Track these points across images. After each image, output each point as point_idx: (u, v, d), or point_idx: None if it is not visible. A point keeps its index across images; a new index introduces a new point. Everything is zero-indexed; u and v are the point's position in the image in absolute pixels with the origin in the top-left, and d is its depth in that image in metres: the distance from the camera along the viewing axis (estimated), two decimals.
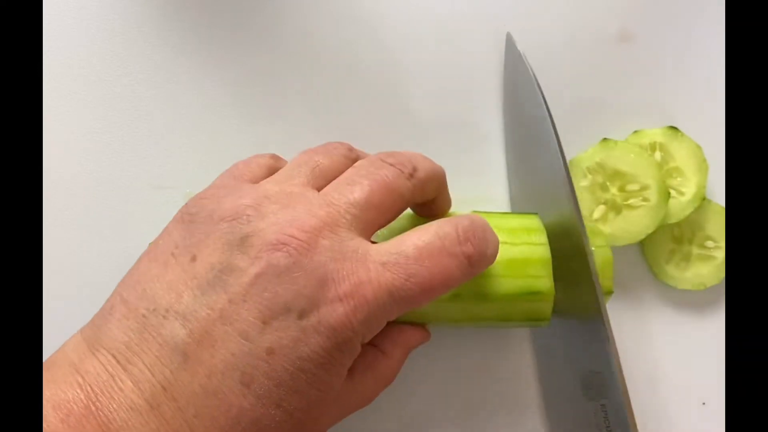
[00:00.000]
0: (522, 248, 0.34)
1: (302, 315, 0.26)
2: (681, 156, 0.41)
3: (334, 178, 0.31)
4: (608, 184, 0.40)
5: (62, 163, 0.39)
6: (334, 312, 0.26)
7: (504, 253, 0.34)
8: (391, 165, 0.30)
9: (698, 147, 0.41)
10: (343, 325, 0.27)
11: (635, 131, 0.41)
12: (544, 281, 0.34)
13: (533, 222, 0.35)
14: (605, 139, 0.40)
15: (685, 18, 0.42)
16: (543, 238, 0.34)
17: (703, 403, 0.41)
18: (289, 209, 0.28)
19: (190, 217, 0.29)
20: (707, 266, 0.41)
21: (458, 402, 0.39)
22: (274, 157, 0.34)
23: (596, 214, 0.40)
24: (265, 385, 0.26)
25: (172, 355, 0.26)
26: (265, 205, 0.29)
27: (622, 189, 0.39)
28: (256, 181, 0.31)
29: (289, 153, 0.40)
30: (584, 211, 0.40)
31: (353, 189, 0.29)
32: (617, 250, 0.41)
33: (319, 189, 0.30)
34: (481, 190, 0.41)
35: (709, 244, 0.41)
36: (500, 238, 0.33)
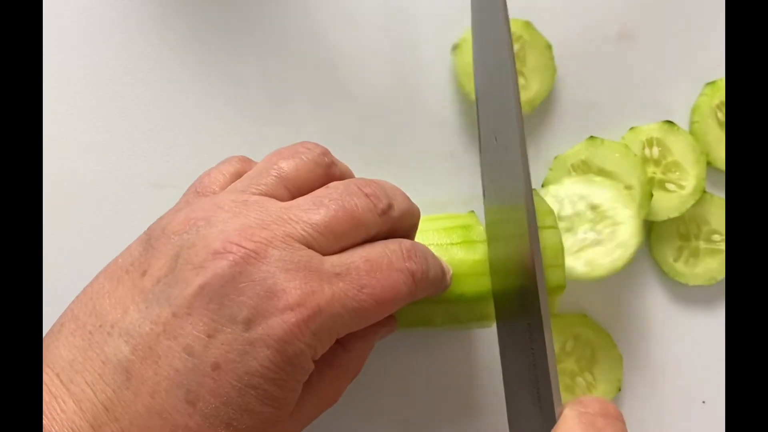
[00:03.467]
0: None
1: (249, 327, 0.25)
2: (678, 149, 0.41)
3: (299, 185, 0.30)
4: None
5: (62, 161, 0.39)
6: (283, 323, 0.25)
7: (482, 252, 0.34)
8: (366, 195, 0.29)
9: (694, 137, 0.41)
10: (294, 337, 0.25)
11: (631, 128, 0.41)
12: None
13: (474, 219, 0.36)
14: (592, 137, 0.40)
15: (684, 16, 0.42)
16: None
17: (703, 402, 0.41)
18: (241, 218, 0.27)
19: (148, 236, 0.28)
20: (716, 260, 0.41)
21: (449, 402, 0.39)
22: (243, 161, 0.32)
23: None
24: (212, 403, 0.25)
25: (115, 374, 0.25)
26: (216, 214, 0.27)
27: None
28: (219, 192, 0.30)
29: None
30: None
31: (317, 211, 0.28)
32: None
33: (281, 198, 0.29)
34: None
35: (716, 237, 0.41)
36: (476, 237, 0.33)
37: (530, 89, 0.40)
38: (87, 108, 0.40)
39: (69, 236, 0.39)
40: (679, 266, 0.41)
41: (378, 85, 0.41)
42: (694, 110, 0.41)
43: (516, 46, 0.40)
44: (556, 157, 0.40)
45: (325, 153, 0.31)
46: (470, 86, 0.40)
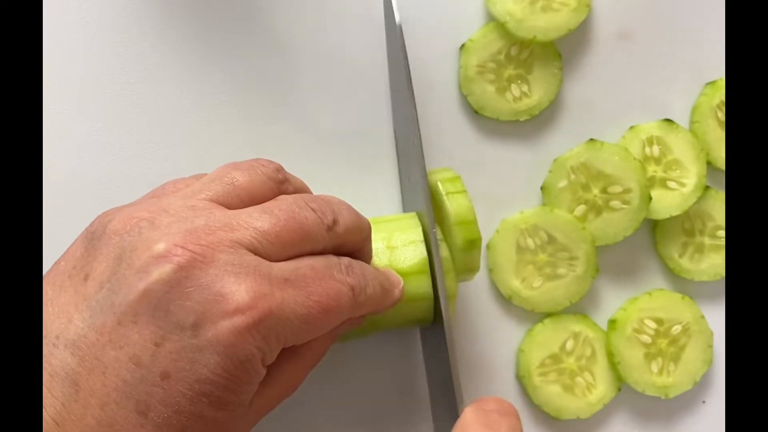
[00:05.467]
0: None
1: (197, 333, 0.24)
2: (678, 147, 0.41)
3: (250, 198, 0.29)
4: (591, 184, 0.39)
5: (62, 162, 0.39)
6: (233, 326, 0.25)
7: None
8: (313, 210, 0.28)
9: (694, 137, 0.41)
10: (244, 341, 0.25)
11: (631, 127, 0.41)
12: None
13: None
14: (592, 139, 0.40)
15: (684, 16, 0.42)
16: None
17: (703, 402, 0.41)
18: (187, 222, 0.26)
19: (90, 235, 0.28)
20: (721, 256, 0.41)
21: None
22: None
23: (576, 214, 0.40)
24: (163, 412, 0.24)
25: (63, 386, 0.24)
26: (161, 217, 0.27)
27: (604, 190, 0.39)
28: None
29: (288, 153, 0.40)
30: (564, 210, 0.40)
31: (266, 218, 0.27)
32: (627, 246, 0.41)
33: (230, 207, 0.28)
34: None
35: (720, 233, 0.41)
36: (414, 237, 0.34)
37: (532, 98, 0.40)
38: (87, 108, 0.40)
39: (69, 236, 0.39)
40: (684, 262, 0.41)
41: (380, 82, 0.41)
42: (694, 110, 0.41)
43: (525, 53, 0.40)
44: (555, 160, 0.40)
45: (279, 169, 0.31)
46: (468, 89, 0.40)
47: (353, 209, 0.31)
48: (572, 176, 0.40)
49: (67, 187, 0.39)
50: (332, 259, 0.29)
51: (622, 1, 0.41)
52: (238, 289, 0.25)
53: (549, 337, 0.40)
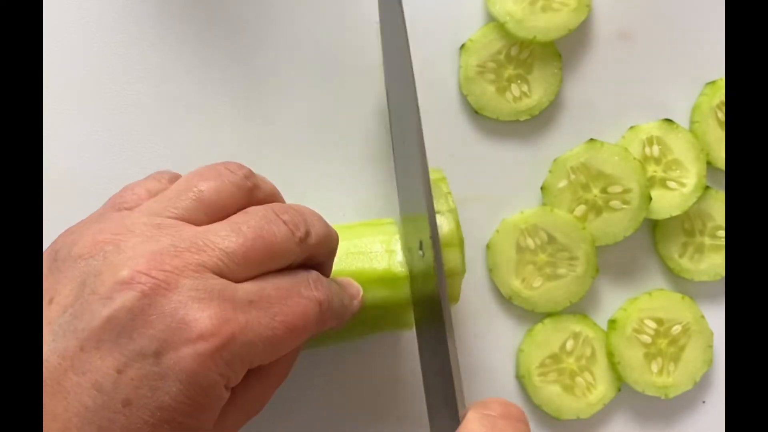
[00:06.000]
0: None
1: (159, 360, 0.24)
2: (678, 148, 0.41)
3: (218, 209, 0.28)
4: (591, 184, 0.39)
5: (62, 163, 0.39)
6: (195, 353, 0.25)
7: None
8: (284, 223, 0.28)
9: (694, 137, 0.41)
10: (206, 368, 0.25)
11: (631, 127, 0.41)
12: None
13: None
14: (592, 139, 0.40)
15: (684, 16, 0.42)
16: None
17: (703, 402, 0.41)
18: (152, 243, 0.26)
19: (54, 254, 0.27)
20: (721, 256, 0.41)
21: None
22: (173, 179, 0.31)
23: (576, 214, 0.40)
24: None
25: None
26: (126, 238, 0.26)
27: (604, 190, 0.39)
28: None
29: (288, 154, 0.40)
30: (564, 210, 0.40)
31: (234, 238, 0.27)
32: (627, 246, 0.41)
33: (197, 223, 0.28)
34: None
35: (720, 233, 0.41)
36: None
37: (532, 98, 0.40)
38: (87, 108, 0.40)
39: None
40: (684, 262, 0.41)
41: (380, 82, 0.41)
42: (694, 110, 0.41)
43: (525, 53, 0.40)
44: (555, 160, 0.40)
45: (249, 176, 0.30)
46: (468, 89, 0.40)
47: (324, 220, 0.31)
48: (572, 176, 0.40)
49: (67, 187, 0.39)
50: (300, 275, 0.29)
51: (622, 1, 0.41)
52: (201, 315, 0.25)
53: (549, 337, 0.40)
